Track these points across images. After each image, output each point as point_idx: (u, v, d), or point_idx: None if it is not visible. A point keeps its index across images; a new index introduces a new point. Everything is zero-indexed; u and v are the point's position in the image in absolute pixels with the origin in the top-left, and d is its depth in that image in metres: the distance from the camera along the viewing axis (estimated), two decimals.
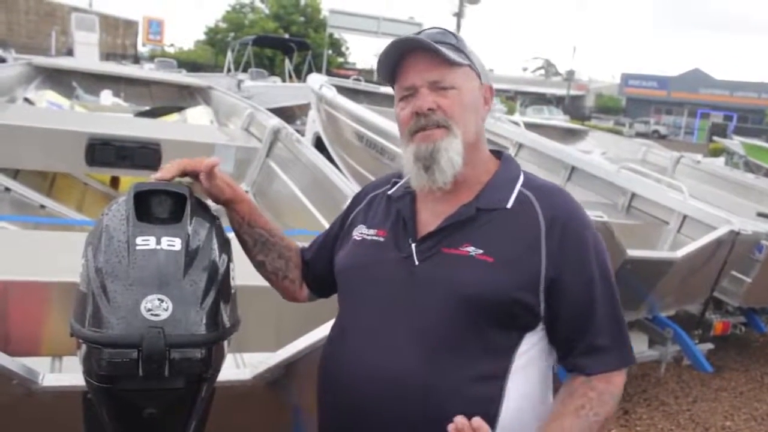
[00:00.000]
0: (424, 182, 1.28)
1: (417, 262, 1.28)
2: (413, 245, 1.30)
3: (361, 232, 1.41)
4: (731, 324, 4.61)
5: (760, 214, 5.03)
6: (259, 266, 1.52)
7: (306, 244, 1.61)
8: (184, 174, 1.32)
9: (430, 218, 1.32)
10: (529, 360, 1.26)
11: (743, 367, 4.97)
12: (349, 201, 2.92)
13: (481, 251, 1.23)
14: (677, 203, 4.54)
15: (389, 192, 1.44)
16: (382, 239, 1.36)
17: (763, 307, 4.90)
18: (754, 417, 4.17)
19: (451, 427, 1.07)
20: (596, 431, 1.22)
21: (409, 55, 1.29)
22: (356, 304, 1.36)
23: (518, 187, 1.32)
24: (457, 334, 1.22)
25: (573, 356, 1.27)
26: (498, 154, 1.41)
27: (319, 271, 1.55)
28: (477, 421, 1.07)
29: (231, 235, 1.33)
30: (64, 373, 1.57)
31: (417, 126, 1.28)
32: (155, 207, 1.22)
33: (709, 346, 4.39)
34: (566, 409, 1.22)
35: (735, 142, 15.91)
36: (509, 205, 1.29)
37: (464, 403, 1.17)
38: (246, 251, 1.50)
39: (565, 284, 1.24)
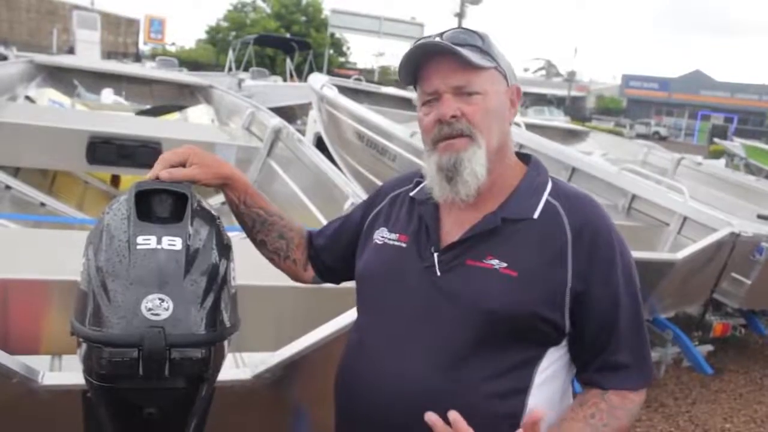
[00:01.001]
0: (446, 194, 1.25)
1: (439, 273, 1.25)
2: (435, 255, 1.26)
3: (382, 235, 1.37)
4: (731, 326, 4.60)
5: (761, 216, 5.02)
6: (260, 246, 1.51)
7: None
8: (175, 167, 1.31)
9: (453, 227, 1.28)
10: (551, 375, 1.23)
11: (743, 368, 4.96)
12: (349, 201, 2.97)
13: (505, 265, 1.20)
14: (678, 205, 4.53)
15: (412, 193, 1.39)
16: (404, 245, 1.32)
17: (763, 310, 4.90)
18: (754, 419, 4.17)
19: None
20: None
21: (433, 58, 1.24)
22: (375, 313, 1.32)
23: (546, 195, 1.28)
24: (478, 349, 1.19)
25: (590, 372, 1.25)
26: (526, 157, 1.36)
27: (330, 260, 1.53)
28: (453, 414, 1.05)
29: (232, 235, 1.33)
30: (64, 372, 1.57)
31: (440, 135, 1.24)
32: (156, 206, 1.22)
33: (709, 347, 4.39)
34: (576, 416, 1.19)
35: (736, 144, 15.94)
36: (536, 215, 1.25)
37: (484, 418, 1.14)
38: (246, 232, 1.50)
39: (591, 298, 1.20)
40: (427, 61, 1.25)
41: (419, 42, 1.26)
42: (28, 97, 5.24)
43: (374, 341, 1.29)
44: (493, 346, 1.19)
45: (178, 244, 1.13)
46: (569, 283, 1.19)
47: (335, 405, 1.38)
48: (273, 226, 1.49)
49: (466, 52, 1.21)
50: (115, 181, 4.58)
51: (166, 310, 1.07)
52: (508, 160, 1.31)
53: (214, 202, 4.20)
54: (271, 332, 2.19)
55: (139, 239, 1.11)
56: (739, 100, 44.83)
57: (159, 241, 1.12)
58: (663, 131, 43.22)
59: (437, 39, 1.25)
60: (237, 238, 1.45)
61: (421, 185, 1.38)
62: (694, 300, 4.28)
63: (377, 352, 1.27)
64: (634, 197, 4.91)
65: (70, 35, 23.26)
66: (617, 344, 1.22)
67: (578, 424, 1.17)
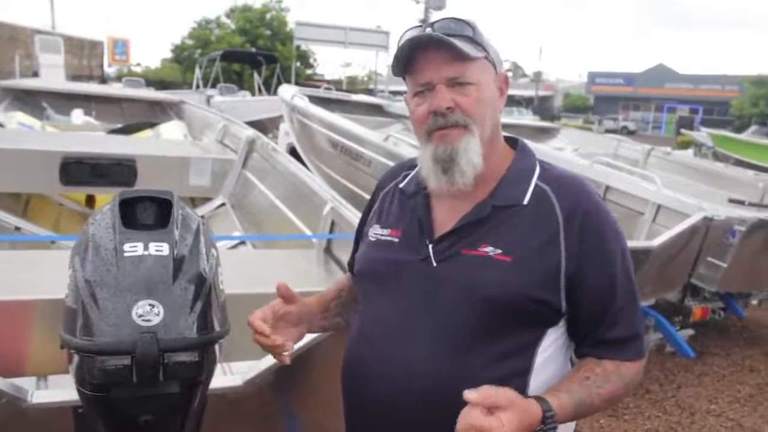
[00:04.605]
0: (443, 184, 1.25)
1: (435, 264, 1.26)
2: (430, 246, 1.27)
3: (375, 232, 1.38)
4: (710, 309, 4.68)
5: (732, 201, 5.12)
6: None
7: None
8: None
9: (445, 217, 1.29)
10: (552, 355, 1.25)
11: (724, 351, 5.04)
12: (328, 206, 2.97)
13: (499, 251, 1.21)
14: (651, 193, 4.59)
15: (401, 186, 1.40)
16: (395, 240, 1.33)
17: (740, 291, 4.98)
18: (737, 399, 4.24)
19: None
20: (598, 404, 1.20)
21: (425, 49, 1.24)
22: (377, 306, 1.33)
23: (534, 179, 1.28)
24: (478, 336, 1.20)
25: (586, 347, 1.26)
26: (513, 141, 1.38)
27: None
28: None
29: (219, 244, 1.33)
30: (53, 390, 1.56)
31: (435, 125, 1.24)
32: (140, 214, 1.22)
33: (690, 332, 4.46)
34: (571, 378, 1.22)
35: (702, 134, 16.21)
36: (526, 201, 1.26)
37: None
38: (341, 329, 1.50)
39: (585, 278, 1.21)
40: (419, 52, 1.24)
41: (411, 35, 1.26)
42: None
43: (378, 331, 1.30)
44: (494, 330, 1.21)
45: (165, 249, 1.13)
46: (563, 266, 1.21)
47: (343, 394, 1.38)
48: (348, 303, 1.50)
49: (458, 42, 1.21)
50: (90, 201, 4.52)
51: (157, 315, 1.07)
52: (498, 147, 1.33)
53: (205, 210, 4.18)
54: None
55: (126, 246, 1.12)
56: (703, 91, 45.63)
57: (146, 248, 1.12)
58: (631, 125, 43.86)
59: (428, 30, 1.25)
60: (222, 247, 1.45)
61: (409, 177, 1.39)
62: (673, 286, 4.35)
63: (382, 341, 1.28)
64: (607, 188, 4.97)
65: (33, 60, 22.87)
66: (613, 320, 1.24)
67: (573, 385, 1.19)
